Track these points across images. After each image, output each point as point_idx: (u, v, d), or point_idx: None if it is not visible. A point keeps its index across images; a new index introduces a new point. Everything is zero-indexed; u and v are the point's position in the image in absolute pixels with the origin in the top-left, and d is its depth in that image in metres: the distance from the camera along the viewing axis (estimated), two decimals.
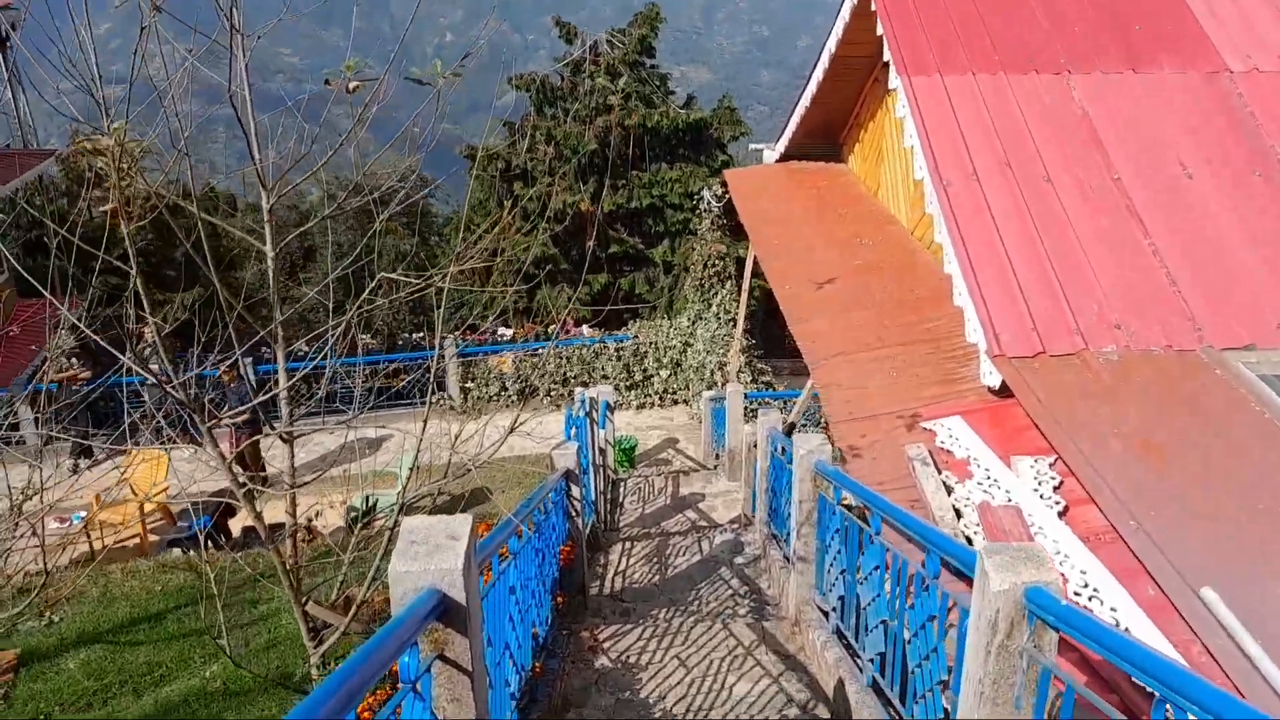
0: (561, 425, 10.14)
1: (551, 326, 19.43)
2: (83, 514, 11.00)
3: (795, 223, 9.87)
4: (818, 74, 10.08)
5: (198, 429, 4.21)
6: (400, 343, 21.78)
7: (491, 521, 7.44)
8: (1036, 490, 4.96)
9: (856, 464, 5.52)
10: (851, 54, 9.61)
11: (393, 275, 4.58)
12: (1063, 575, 4.35)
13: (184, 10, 3.68)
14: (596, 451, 7.70)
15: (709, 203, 14.87)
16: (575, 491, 6.09)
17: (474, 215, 26.69)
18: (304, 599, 4.53)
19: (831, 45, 9.44)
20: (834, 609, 5.04)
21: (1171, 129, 6.73)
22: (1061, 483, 5.02)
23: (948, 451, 5.42)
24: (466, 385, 14.67)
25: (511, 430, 4.58)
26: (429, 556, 2.34)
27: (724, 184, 15.54)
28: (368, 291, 4.56)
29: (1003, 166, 6.56)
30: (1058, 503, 4.86)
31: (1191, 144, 6.63)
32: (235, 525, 11.86)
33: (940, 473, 5.18)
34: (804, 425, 10.21)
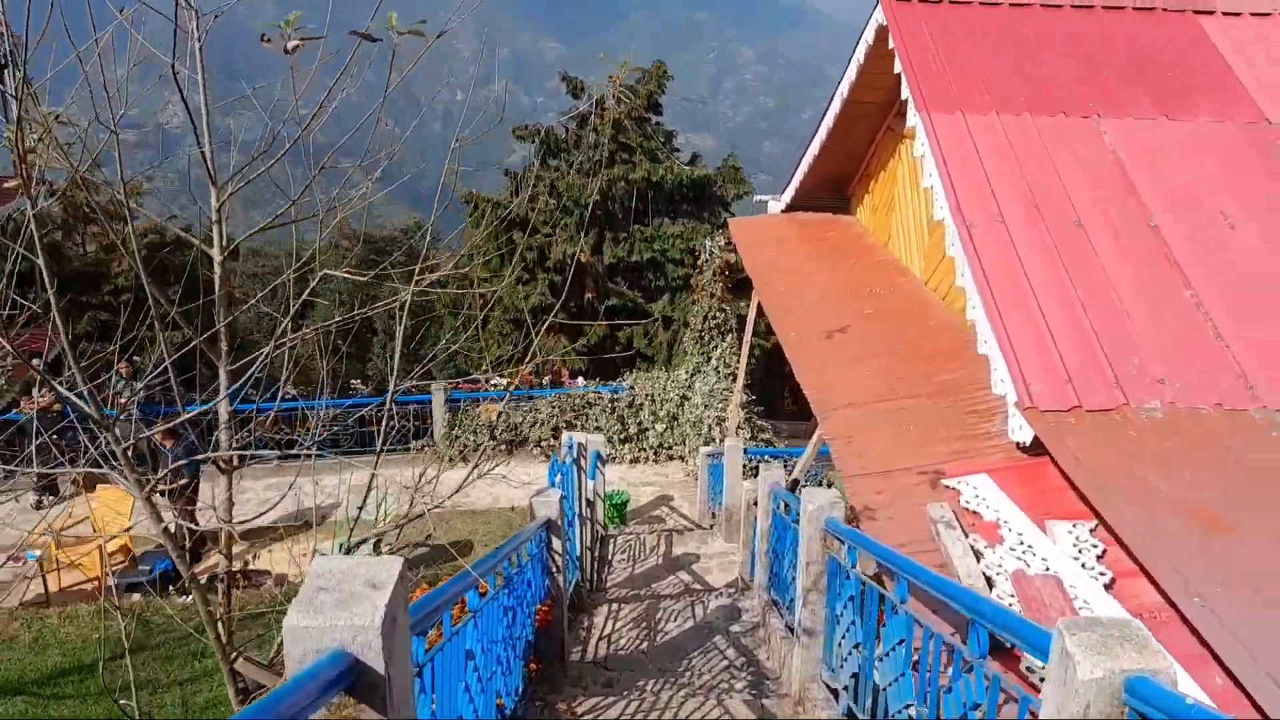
0: None
1: (546, 378, 18.88)
2: (37, 553, 10.32)
3: (803, 271, 9.43)
4: (828, 120, 9.74)
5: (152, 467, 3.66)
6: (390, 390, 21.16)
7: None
8: (1077, 559, 4.38)
9: (872, 525, 4.94)
10: (864, 99, 9.28)
11: (335, 272, 4.05)
12: None
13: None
14: (583, 503, 7.12)
15: (711, 253, 14.46)
16: (557, 545, 5.49)
17: (472, 260, 26.41)
18: (234, 655, 3.91)
19: (844, 89, 9.11)
20: (845, 687, 4.41)
21: (1210, 177, 6.30)
22: (1105, 551, 4.44)
23: (974, 513, 4.85)
24: (454, 432, 14.08)
25: (471, 472, 4.03)
26: (339, 608, 1.77)
27: (727, 236, 15.19)
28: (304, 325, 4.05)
29: (1030, 208, 6.12)
30: (1103, 574, 4.27)
31: (1232, 193, 6.19)
32: (206, 570, 11.19)
33: (967, 536, 4.60)
34: (807, 484, 9.62)
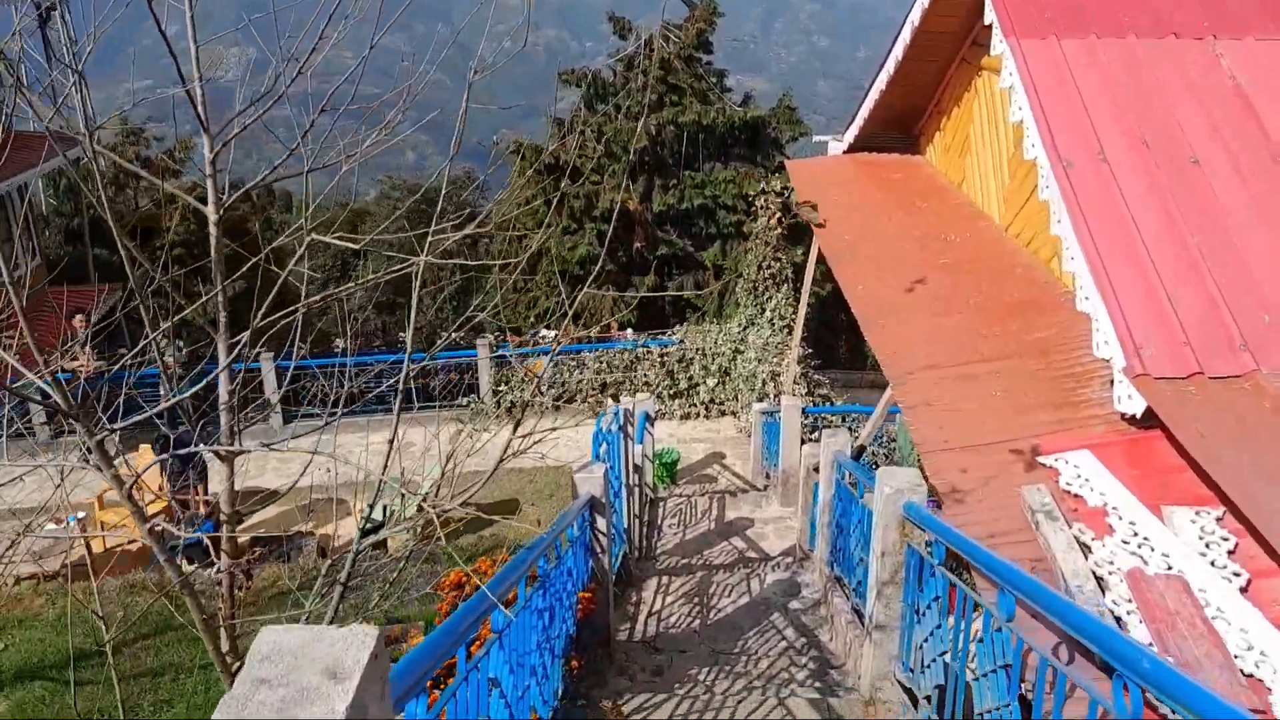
0: None
1: (594, 329, 18.36)
2: (79, 515, 10.21)
3: (869, 216, 8.69)
4: (897, 51, 8.89)
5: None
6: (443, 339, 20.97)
7: (507, 552, 6.42)
8: (1204, 554, 3.74)
9: (958, 510, 4.34)
10: (937, 27, 8.42)
11: (323, 238, 3.54)
12: (1261, 682, 3.15)
13: None
14: (630, 471, 6.63)
15: (767, 198, 13.69)
16: (601, 524, 5.01)
17: (520, 214, 25.90)
18: (235, 665, 3.49)
19: (915, 16, 8.25)
20: (927, 697, 3.87)
21: None
22: (1237, 545, 3.80)
23: (1077, 496, 4.22)
24: (500, 389, 13.69)
25: (513, 434, 3.52)
26: (286, 708, 1.27)
27: (784, 180, 14.39)
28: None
29: (1138, 144, 5.34)
30: (1237, 574, 3.64)
31: None
32: (245, 534, 11.03)
33: (1070, 525, 3.98)
34: (878, 453, 9.01)
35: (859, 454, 7.19)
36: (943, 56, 9.02)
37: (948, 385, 5.40)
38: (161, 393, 12.79)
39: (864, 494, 5.40)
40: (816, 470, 7.30)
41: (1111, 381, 4.91)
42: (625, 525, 6.73)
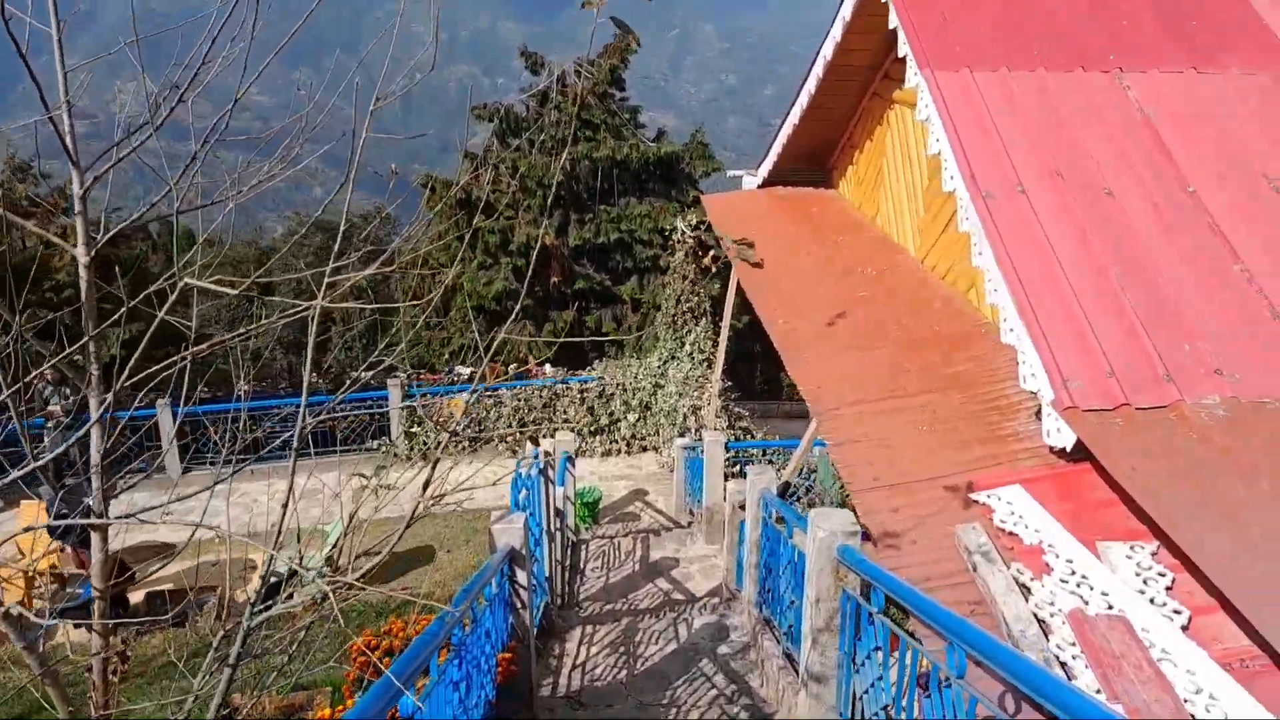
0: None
1: (512, 367, 17.98)
2: None
3: (786, 250, 8.64)
4: (809, 86, 8.93)
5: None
6: (348, 383, 20.19)
7: (431, 597, 6.02)
8: (1143, 592, 3.66)
9: (891, 553, 4.18)
10: (850, 62, 8.50)
11: (198, 283, 3.21)
12: None
13: None
14: (551, 516, 6.33)
15: (682, 233, 13.63)
16: (521, 577, 4.69)
17: (432, 249, 25.38)
18: None
19: (828, 50, 8.30)
20: None
21: (1250, 136, 5.60)
22: (1174, 580, 3.73)
23: (1012, 534, 4.12)
24: (413, 430, 13.18)
25: (416, 509, 3.21)
26: None
27: (700, 214, 14.37)
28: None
29: (1053, 176, 5.37)
30: (1177, 611, 3.56)
31: (1277, 152, 5.49)
32: (138, 593, 10.24)
33: (1009, 566, 3.86)
34: (800, 487, 8.89)
35: (784, 490, 7.04)
36: (855, 90, 9.11)
37: (874, 420, 5.28)
38: (46, 444, 11.82)
39: (793, 533, 5.22)
40: (742, 508, 7.11)
41: (1038, 414, 4.87)
42: (547, 574, 6.40)
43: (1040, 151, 5.49)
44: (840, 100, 9.26)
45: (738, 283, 9.72)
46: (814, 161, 10.65)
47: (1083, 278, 4.87)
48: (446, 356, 23.28)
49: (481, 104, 24.31)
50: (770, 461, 11.02)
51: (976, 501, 4.38)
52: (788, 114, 9.84)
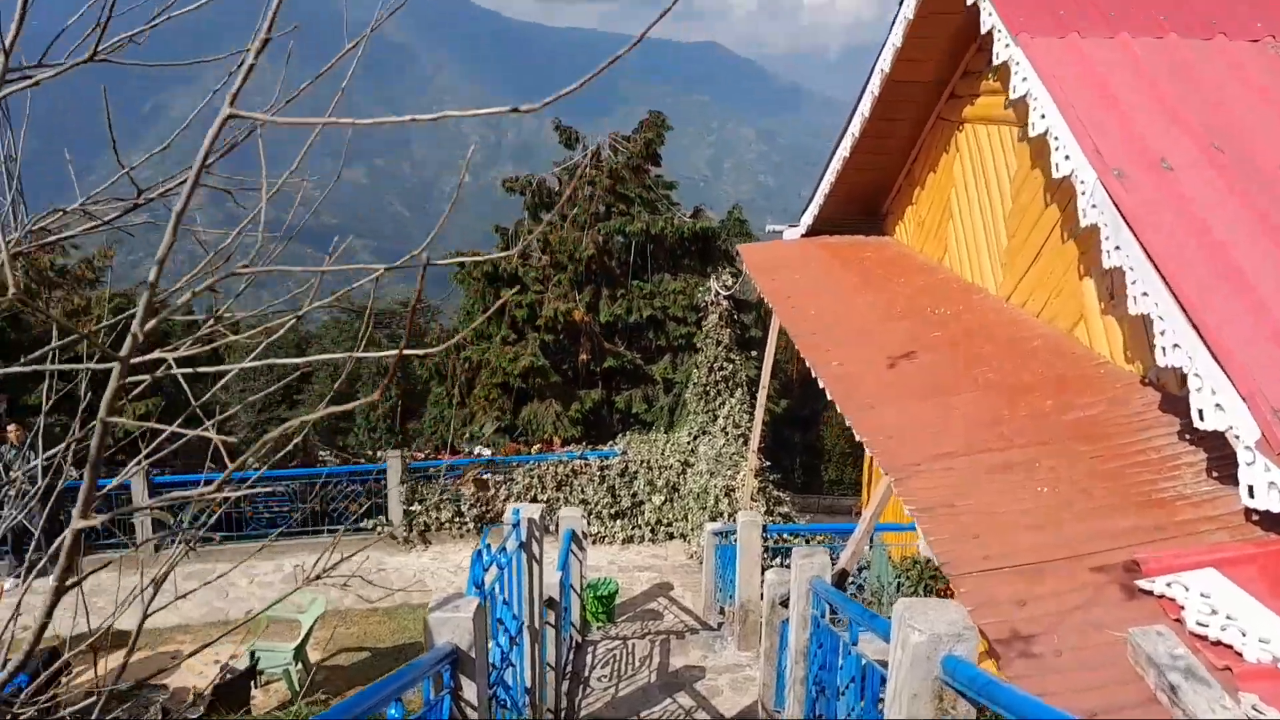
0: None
1: (535, 447, 16.59)
2: None
3: (837, 295, 7.29)
4: (862, 108, 7.73)
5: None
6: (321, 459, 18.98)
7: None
8: None
9: (1026, 669, 2.67)
10: (911, 76, 7.31)
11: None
12: None
13: None
14: (535, 608, 4.86)
15: (715, 294, 12.35)
16: (470, 690, 3.23)
17: (459, 326, 24.45)
18: None
19: (886, 61, 7.11)
20: None
21: None
22: None
23: (1219, 644, 2.60)
24: (412, 508, 11.75)
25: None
26: None
27: (734, 272, 13.13)
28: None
29: (1209, 150, 3.99)
30: None
31: None
32: (83, 684, 8.80)
33: (1234, 694, 2.34)
34: (859, 577, 7.28)
35: (840, 581, 5.49)
36: (915, 114, 7.89)
37: (971, 479, 3.81)
38: (4, 511, 10.39)
39: (857, 639, 3.71)
40: (784, 604, 5.57)
41: (1208, 469, 3.38)
42: (529, 683, 4.89)
43: (1186, 124, 4.14)
44: (898, 127, 8.04)
45: (778, 332, 8.36)
46: (865, 208, 9.39)
47: (1268, 275, 3.43)
48: (468, 436, 22.02)
49: (514, 177, 23.67)
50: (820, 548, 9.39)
51: (1147, 591, 2.87)
52: (834, 150, 8.63)
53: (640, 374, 22.24)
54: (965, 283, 6.92)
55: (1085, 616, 2.81)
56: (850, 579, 6.85)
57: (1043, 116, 4.36)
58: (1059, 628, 2.79)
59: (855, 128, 7.97)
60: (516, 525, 4.72)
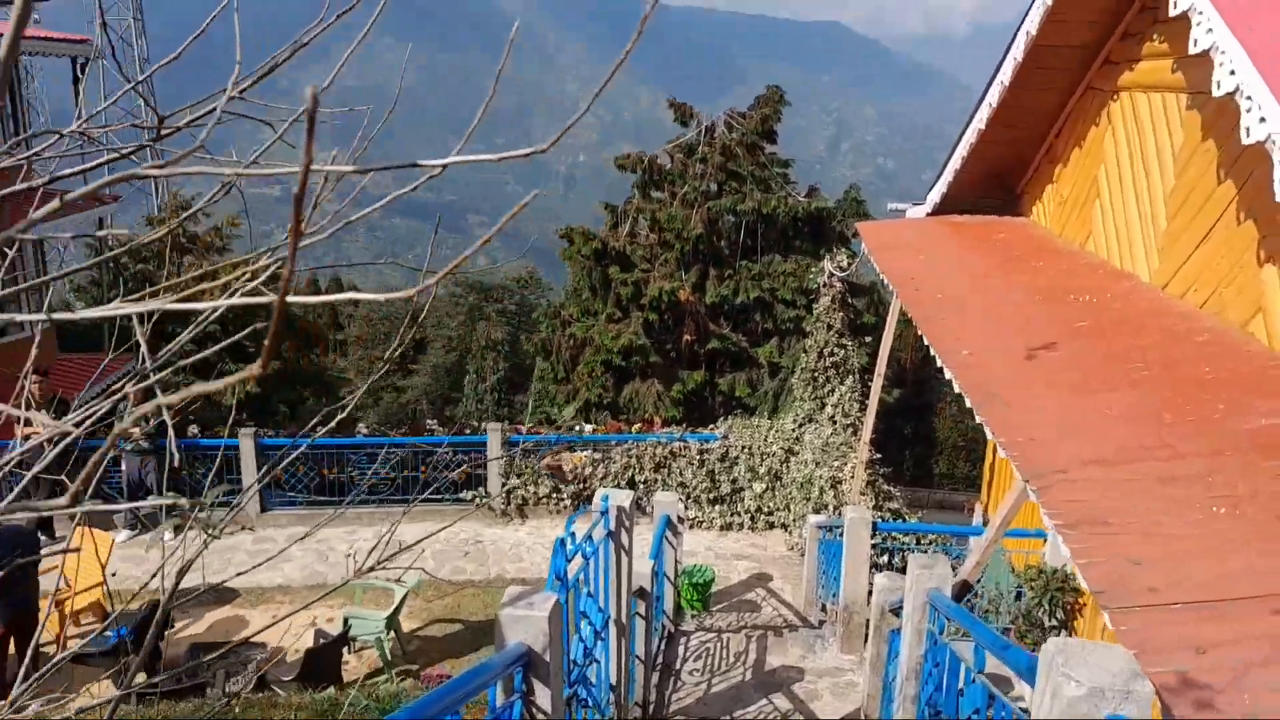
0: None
1: (635, 426, 16.38)
2: None
3: (968, 276, 6.70)
4: (1003, 76, 7.06)
5: None
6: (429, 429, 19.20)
7: None
8: None
9: None
10: (1059, 41, 6.62)
11: None
12: None
13: None
14: (622, 601, 4.55)
15: (830, 275, 11.76)
16: (543, 696, 2.95)
17: (566, 302, 24.46)
18: None
19: (1033, 23, 6.44)
20: None
21: None
22: None
23: None
24: (510, 481, 11.70)
25: None
26: None
27: (849, 254, 12.49)
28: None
29: None
30: None
31: None
32: (183, 641, 9.04)
33: None
34: (979, 586, 6.71)
35: (962, 594, 4.98)
36: (1060, 84, 7.17)
37: (1130, 493, 3.28)
38: (123, 469, 10.65)
39: (984, 665, 3.25)
40: (896, 613, 5.10)
41: None
42: (614, 680, 4.61)
43: None
44: (1041, 96, 7.33)
45: (900, 310, 7.80)
46: (999, 186, 8.67)
47: None
48: (571, 412, 22.03)
49: (625, 155, 23.40)
50: (928, 550, 8.80)
51: None
52: (968, 122, 7.96)
53: (745, 357, 21.73)
54: (1114, 268, 6.23)
55: (1277, 670, 2.30)
56: (975, 589, 6.30)
57: (1232, 73, 3.73)
58: (1242, 679, 2.29)
59: (994, 97, 7.29)
60: (605, 513, 4.42)
